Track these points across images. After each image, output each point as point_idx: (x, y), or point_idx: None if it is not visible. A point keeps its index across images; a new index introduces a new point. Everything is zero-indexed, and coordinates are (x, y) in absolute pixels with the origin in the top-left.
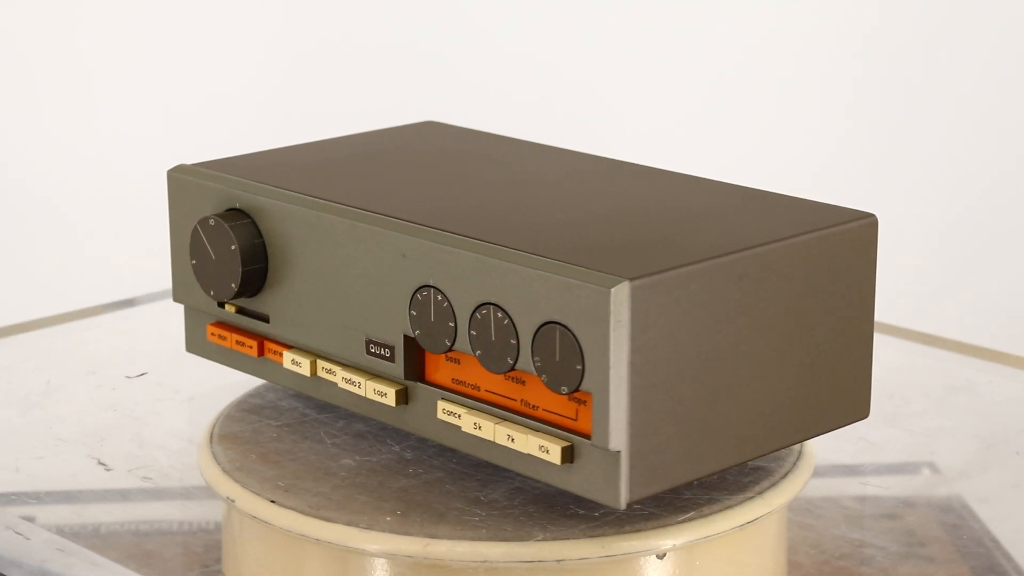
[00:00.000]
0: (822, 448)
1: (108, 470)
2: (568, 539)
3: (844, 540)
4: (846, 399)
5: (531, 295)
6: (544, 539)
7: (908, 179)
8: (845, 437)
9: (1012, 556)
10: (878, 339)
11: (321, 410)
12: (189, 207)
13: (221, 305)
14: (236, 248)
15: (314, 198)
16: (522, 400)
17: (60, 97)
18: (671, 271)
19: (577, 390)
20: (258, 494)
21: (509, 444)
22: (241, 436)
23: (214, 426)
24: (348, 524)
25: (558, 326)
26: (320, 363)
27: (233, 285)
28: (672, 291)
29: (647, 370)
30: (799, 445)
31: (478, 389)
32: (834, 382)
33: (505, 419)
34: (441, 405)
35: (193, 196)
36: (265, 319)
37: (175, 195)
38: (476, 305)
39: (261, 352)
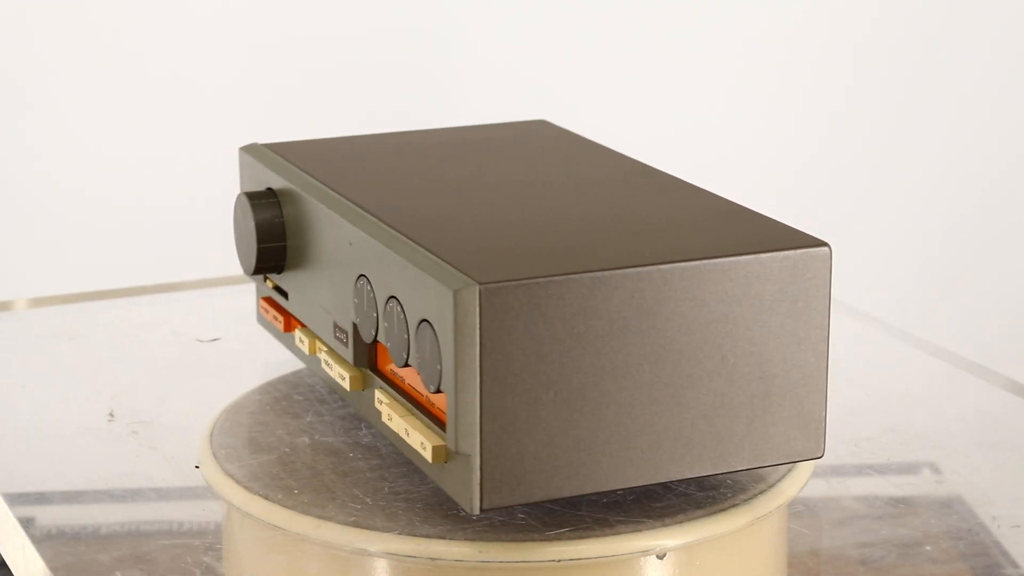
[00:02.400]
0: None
1: (110, 420)
2: (568, 539)
3: (844, 540)
4: (790, 436)
5: (415, 292)
6: (544, 539)
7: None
8: (845, 437)
9: (1012, 556)
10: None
11: (322, 410)
12: (248, 185)
13: (265, 280)
14: (254, 225)
15: (320, 184)
16: (427, 396)
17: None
18: (537, 279)
19: (439, 390)
20: (258, 494)
21: (406, 438)
22: (242, 436)
23: (214, 426)
24: (348, 524)
25: (428, 325)
26: (317, 343)
27: (252, 260)
28: (536, 300)
29: (504, 376)
30: None
31: (404, 381)
32: (770, 416)
33: (411, 413)
34: (377, 394)
35: (250, 174)
36: (287, 296)
37: (242, 172)
38: (387, 298)
39: (287, 328)
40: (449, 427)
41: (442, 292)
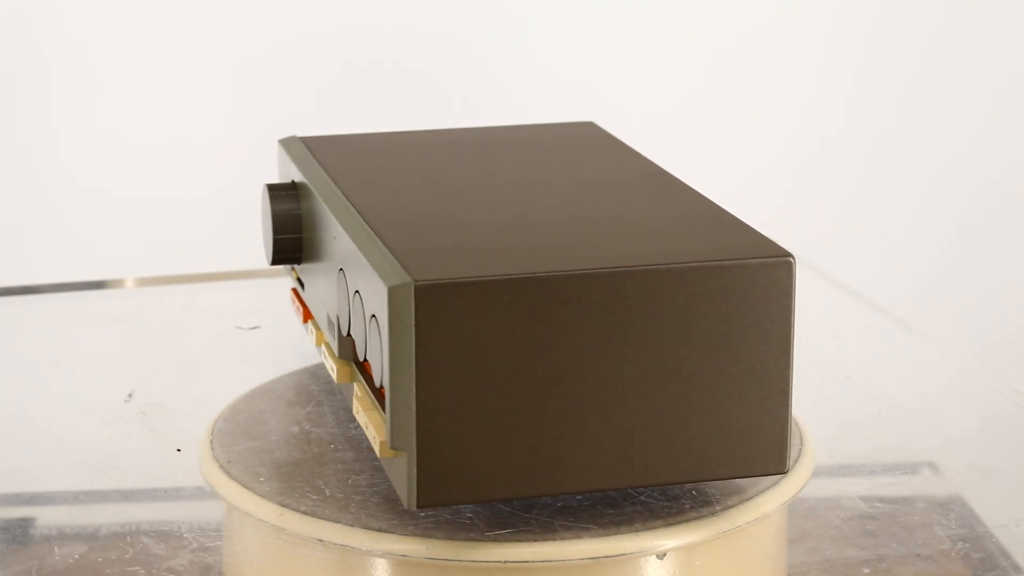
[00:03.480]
0: (822, 448)
1: (127, 401)
2: (568, 539)
3: (844, 540)
4: (751, 450)
5: (368, 287)
6: (544, 540)
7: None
8: (844, 437)
9: (1012, 556)
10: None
11: (324, 400)
12: (280, 177)
13: (292, 271)
14: (271, 216)
15: (327, 178)
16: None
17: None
18: (477, 279)
19: (382, 385)
20: (259, 494)
21: (366, 431)
22: (242, 436)
23: (214, 426)
24: (348, 524)
25: (375, 319)
26: (321, 334)
27: (270, 250)
28: (475, 299)
29: (441, 375)
30: (799, 445)
31: (371, 375)
32: (729, 429)
33: (373, 407)
34: (355, 387)
35: (282, 167)
36: (304, 288)
37: (278, 165)
38: (353, 292)
39: (305, 318)
40: (388, 423)
41: (382, 288)
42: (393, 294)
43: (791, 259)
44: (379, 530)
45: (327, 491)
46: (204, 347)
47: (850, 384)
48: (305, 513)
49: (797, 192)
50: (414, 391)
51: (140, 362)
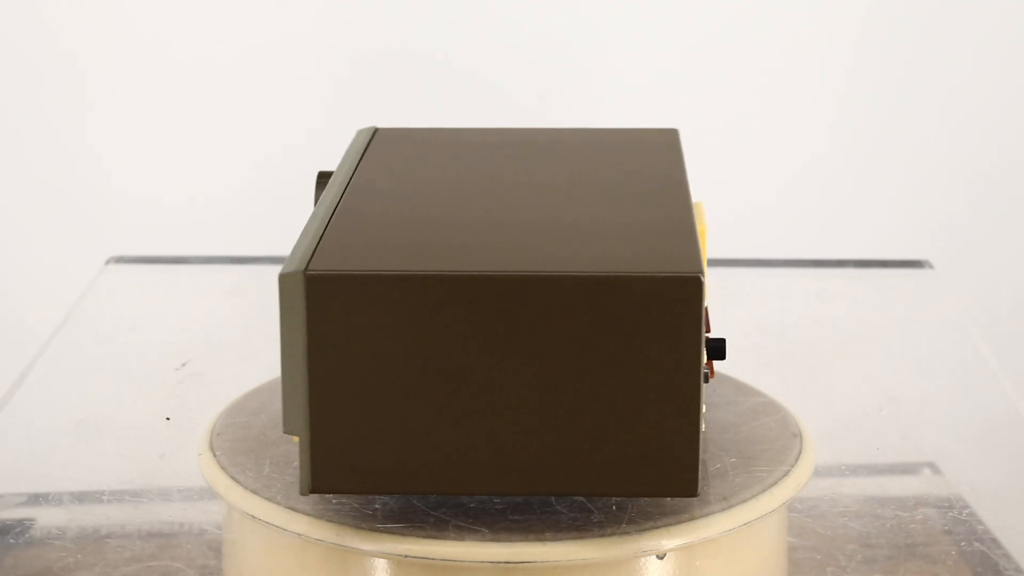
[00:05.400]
0: (822, 448)
1: (178, 370)
2: (568, 540)
3: (844, 540)
4: (657, 469)
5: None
6: (544, 540)
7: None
8: (844, 437)
9: (1012, 556)
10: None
11: None
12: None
13: None
14: (314, 201)
15: (353, 169)
16: None
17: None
18: (371, 273)
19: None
20: (259, 494)
21: None
22: (242, 436)
23: (214, 426)
24: (348, 524)
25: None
26: None
27: None
28: (369, 293)
29: (334, 364)
30: (799, 445)
31: None
32: (634, 446)
33: None
34: None
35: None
36: None
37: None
38: None
39: None
40: (282, 407)
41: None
42: (284, 281)
43: (700, 276)
44: (380, 531)
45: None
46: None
47: (850, 384)
48: (305, 513)
49: (796, 192)
50: (305, 378)
51: (207, 337)
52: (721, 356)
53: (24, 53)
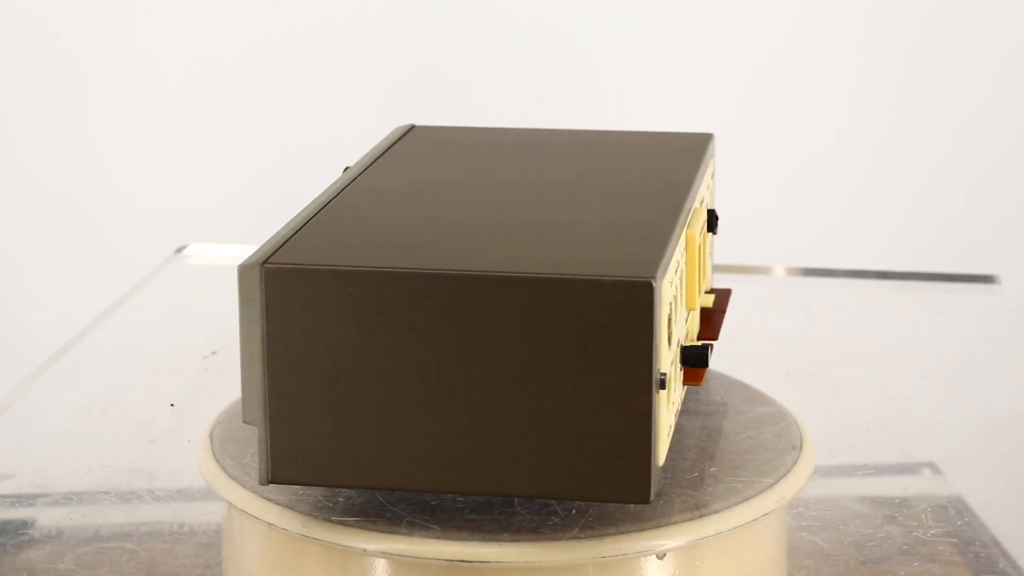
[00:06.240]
0: (822, 448)
1: (206, 358)
2: (568, 540)
3: (844, 540)
4: (609, 474)
5: None
6: (544, 540)
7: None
8: (844, 436)
9: (1012, 556)
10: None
11: None
12: None
13: None
14: None
15: (371, 165)
16: None
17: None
18: (326, 267)
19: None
20: (258, 494)
21: None
22: (241, 436)
23: (214, 426)
24: (348, 524)
25: None
26: None
27: None
28: (325, 287)
29: (291, 356)
30: (800, 444)
31: None
32: (586, 450)
33: None
34: None
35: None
36: None
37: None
38: None
39: None
40: (244, 398)
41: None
42: (243, 273)
43: (651, 281)
44: (379, 531)
45: (328, 491)
46: None
47: (851, 384)
48: (305, 513)
49: (794, 191)
50: (262, 370)
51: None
52: (703, 363)
53: (23, 53)
